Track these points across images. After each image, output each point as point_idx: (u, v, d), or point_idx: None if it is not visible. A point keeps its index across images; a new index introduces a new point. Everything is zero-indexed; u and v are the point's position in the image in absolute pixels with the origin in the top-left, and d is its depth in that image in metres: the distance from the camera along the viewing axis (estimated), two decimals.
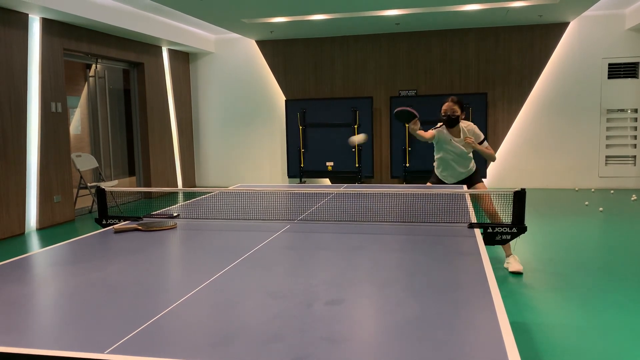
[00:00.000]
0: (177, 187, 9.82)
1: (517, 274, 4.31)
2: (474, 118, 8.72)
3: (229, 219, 2.75)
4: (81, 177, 7.30)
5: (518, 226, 2.47)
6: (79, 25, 7.12)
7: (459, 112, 4.18)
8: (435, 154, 4.48)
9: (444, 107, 4.21)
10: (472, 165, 4.45)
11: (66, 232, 6.43)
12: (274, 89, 9.98)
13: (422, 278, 1.69)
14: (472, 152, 4.40)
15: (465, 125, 4.29)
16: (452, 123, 4.20)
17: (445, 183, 4.45)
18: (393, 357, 1.12)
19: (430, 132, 4.30)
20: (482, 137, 4.28)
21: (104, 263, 1.91)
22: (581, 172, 9.09)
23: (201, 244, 2.22)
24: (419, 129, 4.19)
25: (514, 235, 2.48)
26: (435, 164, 4.53)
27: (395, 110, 4.18)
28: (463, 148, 4.29)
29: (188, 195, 8.69)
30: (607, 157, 9.01)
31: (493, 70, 9.12)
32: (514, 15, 8.11)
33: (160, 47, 9.24)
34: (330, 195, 3.49)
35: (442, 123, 4.27)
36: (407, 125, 4.25)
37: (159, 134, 9.19)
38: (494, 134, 9.19)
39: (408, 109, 4.11)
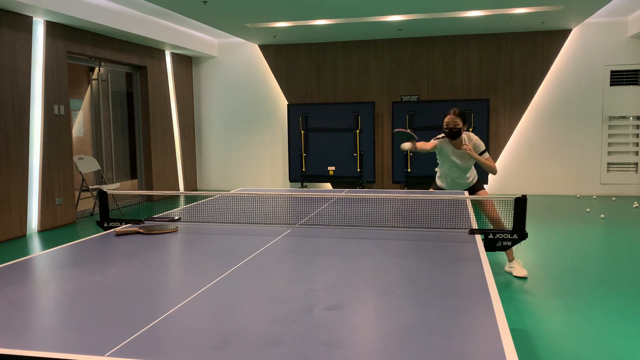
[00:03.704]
0: (178, 190, 9.83)
1: (522, 278, 4.32)
2: (476, 124, 8.73)
3: (230, 223, 2.75)
4: (83, 179, 7.31)
5: (519, 232, 2.47)
6: (82, 28, 7.15)
7: (460, 125, 4.23)
8: (438, 162, 4.54)
9: (446, 119, 4.26)
10: (473, 177, 4.51)
11: (67, 234, 6.43)
12: (277, 93, 10.00)
13: (423, 284, 1.69)
14: (475, 164, 4.45)
15: (466, 136, 4.34)
16: (453, 135, 4.25)
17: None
18: None
19: (432, 143, 4.38)
20: (483, 148, 4.32)
21: (105, 266, 1.92)
22: (583, 179, 9.08)
23: (202, 248, 2.22)
24: (417, 142, 4.30)
25: (515, 242, 2.49)
26: (437, 173, 4.61)
27: (396, 130, 4.38)
28: (462, 160, 4.36)
29: (189, 199, 8.69)
30: (608, 164, 9.01)
31: (495, 76, 9.13)
32: (517, 22, 8.12)
33: (164, 51, 9.27)
34: (331, 200, 3.49)
35: (444, 135, 4.32)
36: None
37: (161, 137, 9.21)
38: (495, 140, 9.19)
39: (408, 131, 4.30)
